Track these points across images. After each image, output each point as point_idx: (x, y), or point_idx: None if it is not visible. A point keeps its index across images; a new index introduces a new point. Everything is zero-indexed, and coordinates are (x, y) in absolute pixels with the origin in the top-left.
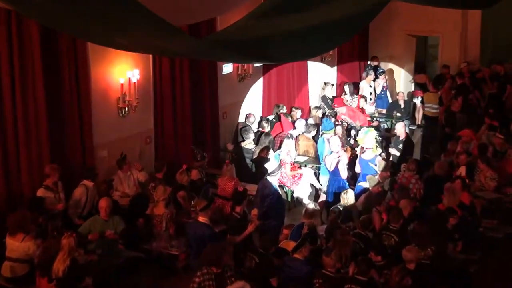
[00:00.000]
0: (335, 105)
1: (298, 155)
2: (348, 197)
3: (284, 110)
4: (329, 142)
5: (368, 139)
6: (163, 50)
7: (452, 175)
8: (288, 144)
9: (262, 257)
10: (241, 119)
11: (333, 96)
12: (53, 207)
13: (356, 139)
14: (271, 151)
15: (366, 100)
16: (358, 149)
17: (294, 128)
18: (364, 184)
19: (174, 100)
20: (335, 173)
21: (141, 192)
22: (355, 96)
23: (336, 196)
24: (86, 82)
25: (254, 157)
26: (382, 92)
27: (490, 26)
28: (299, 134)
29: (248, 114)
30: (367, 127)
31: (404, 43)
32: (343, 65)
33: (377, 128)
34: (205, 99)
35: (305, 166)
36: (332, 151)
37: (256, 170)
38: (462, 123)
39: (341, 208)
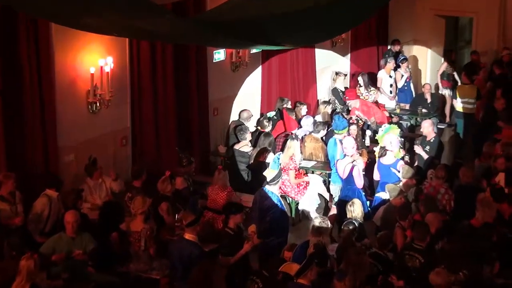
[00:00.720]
0: (346, 98)
1: (304, 159)
2: (355, 209)
3: (289, 105)
4: (341, 144)
5: (389, 138)
6: (142, 33)
7: (485, 183)
8: (292, 146)
9: (268, 281)
10: (235, 116)
11: (345, 88)
12: (10, 222)
13: (376, 138)
14: (271, 154)
15: (385, 93)
16: (376, 151)
17: (300, 126)
18: (383, 195)
19: (155, 94)
20: (348, 181)
21: (112, 199)
22: (372, 88)
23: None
24: (49, 72)
25: (251, 161)
26: (405, 84)
27: None
28: (305, 134)
29: (243, 110)
30: (389, 123)
31: (432, 25)
32: (358, 51)
33: (398, 126)
34: (192, 92)
35: (313, 172)
36: (345, 155)
37: (252, 178)
38: (502, 121)
39: (356, 223)
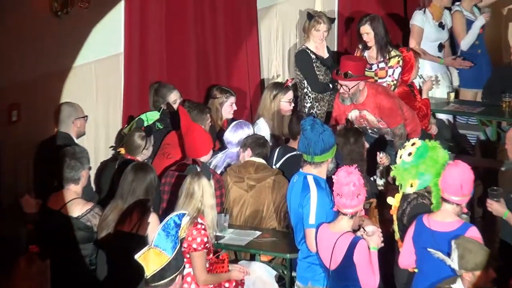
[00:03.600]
0: (342, 74)
1: (232, 225)
2: None
3: (175, 96)
4: (322, 186)
5: (429, 174)
6: None
7: None
8: (198, 192)
9: None
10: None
11: (334, 53)
12: None
13: (392, 174)
14: (152, 217)
15: (430, 61)
16: (393, 202)
17: (220, 147)
18: None
19: None
20: (343, 275)
21: None
22: (394, 53)
23: None
24: None
25: (105, 232)
26: (477, 43)
27: None
28: (230, 164)
29: (62, 105)
30: (427, 139)
31: None
32: None
33: (455, 143)
34: None
35: (253, 258)
36: (339, 212)
37: (110, 273)
38: None
39: None
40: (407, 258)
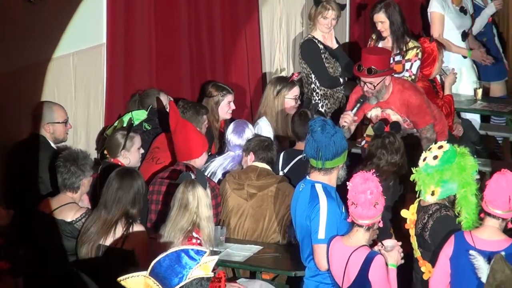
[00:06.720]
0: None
1: (229, 239)
2: None
3: (165, 101)
4: (332, 197)
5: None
6: None
7: None
8: (193, 204)
9: None
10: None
11: (346, 43)
12: None
13: (412, 177)
14: (140, 229)
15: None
16: (407, 215)
17: (217, 152)
18: None
19: None
20: None
21: None
22: (413, 44)
23: None
24: None
25: (85, 247)
26: (483, 30)
27: None
28: (228, 170)
29: (42, 104)
30: (455, 144)
31: None
32: None
33: (482, 147)
34: None
35: (254, 275)
36: (353, 223)
37: None
38: None
39: None
40: (441, 280)
